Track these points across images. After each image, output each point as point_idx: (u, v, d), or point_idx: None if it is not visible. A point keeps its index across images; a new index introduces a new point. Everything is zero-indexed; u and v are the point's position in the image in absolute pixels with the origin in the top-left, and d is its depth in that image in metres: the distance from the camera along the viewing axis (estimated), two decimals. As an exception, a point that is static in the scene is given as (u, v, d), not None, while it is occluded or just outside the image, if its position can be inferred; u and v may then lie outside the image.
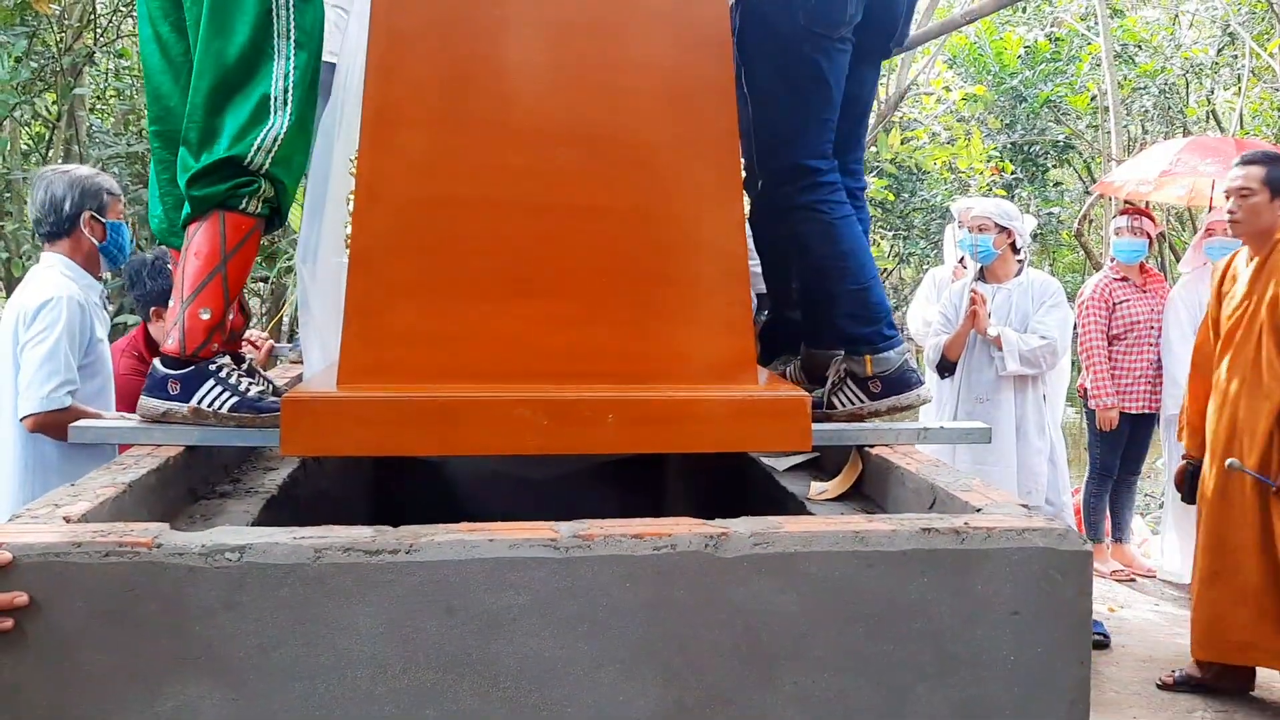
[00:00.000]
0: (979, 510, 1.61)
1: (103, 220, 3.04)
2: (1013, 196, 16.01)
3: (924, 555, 1.48)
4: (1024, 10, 16.45)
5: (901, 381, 2.17)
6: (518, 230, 1.85)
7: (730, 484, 2.51)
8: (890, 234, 14.21)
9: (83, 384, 2.90)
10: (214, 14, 1.92)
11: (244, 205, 1.92)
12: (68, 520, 1.47)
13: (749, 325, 1.89)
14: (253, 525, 1.75)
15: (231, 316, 2.01)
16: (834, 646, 1.46)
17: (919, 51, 9.36)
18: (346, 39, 2.12)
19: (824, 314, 2.26)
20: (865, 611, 1.47)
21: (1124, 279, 5.28)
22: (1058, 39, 15.49)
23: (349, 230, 1.92)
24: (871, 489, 2.05)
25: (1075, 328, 5.15)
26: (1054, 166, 15.60)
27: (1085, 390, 5.36)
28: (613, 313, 1.86)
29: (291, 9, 1.93)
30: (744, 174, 2.07)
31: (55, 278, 2.94)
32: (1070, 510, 4.67)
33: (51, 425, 2.78)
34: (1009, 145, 14.84)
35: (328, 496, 2.46)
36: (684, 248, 1.89)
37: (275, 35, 1.93)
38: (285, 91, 1.93)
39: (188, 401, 1.90)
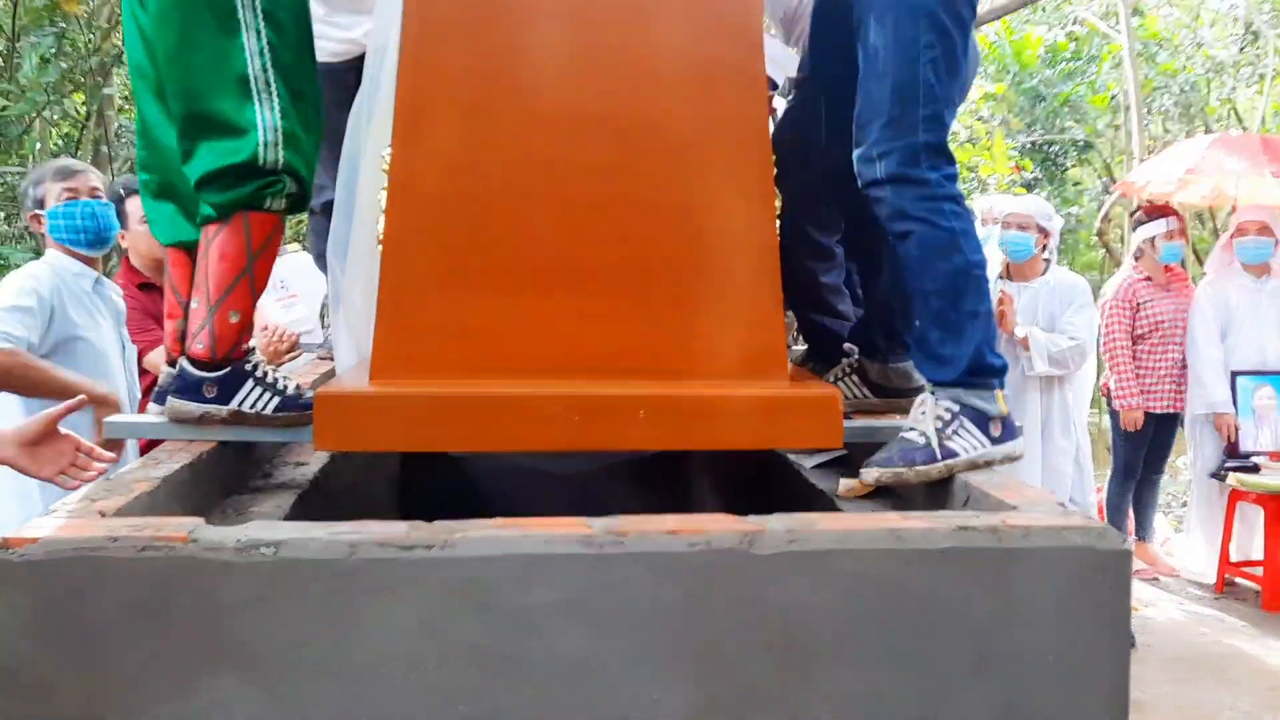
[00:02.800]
0: (1015, 508, 1.59)
1: (41, 214, 3.01)
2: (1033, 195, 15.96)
3: (961, 553, 1.46)
4: (1043, 9, 16.37)
5: (1013, 425, 1.92)
6: (549, 223, 1.84)
7: (758, 480, 2.50)
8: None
9: (72, 363, 2.85)
10: None
11: (268, 204, 1.85)
12: (103, 514, 1.48)
13: (780, 320, 1.88)
14: (285, 520, 1.74)
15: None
16: (871, 646, 1.44)
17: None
18: (376, 30, 2.10)
19: (950, 334, 1.88)
20: (902, 610, 1.45)
21: (1148, 278, 5.24)
22: (1077, 38, 15.40)
23: (381, 226, 1.90)
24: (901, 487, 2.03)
25: (1099, 327, 5.12)
26: (1073, 165, 15.52)
27: (1109, 390, 5.32)
28: (644, 307, 1.85)
29: None
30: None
31: (37, 267, 2.96)
32: (1094, 510, 4.65)
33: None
34: (1028, 145, 14.77)
35: (356, 490, 2.46)
36: (715, 241, 1.87)
37: (240, 6, 1.80)
38: (264, 70, 1.81)
39: (227, 404, 1.86)
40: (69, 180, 3.02)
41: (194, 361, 1.86)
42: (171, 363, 2.06)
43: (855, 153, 1.91)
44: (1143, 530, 5.52)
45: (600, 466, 2.56)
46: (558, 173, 1.84)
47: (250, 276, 1.87)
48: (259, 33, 1.80)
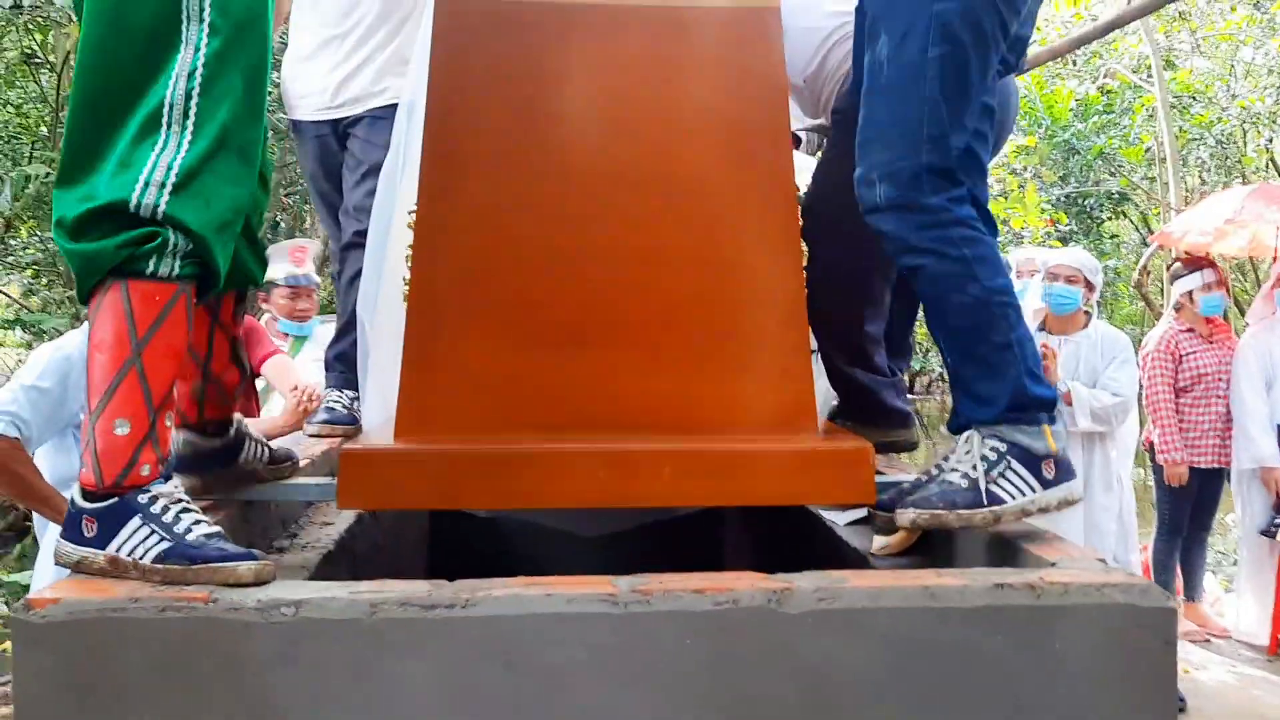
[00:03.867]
0: (1054, 564, 1.55)
1: None
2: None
3: (998, 611, 1.42)
4: (1074, 63, 16.41)
5: (1068, 465, 1.72)
6: (575, 278, 1.83)
7: (791, 539, 2.46)
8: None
9: (62, 439, 2.87)
10: None
11: (151, 268, 1.44)
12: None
13: (809, 373, 1.85)
14: (310, 580, 1.73)
15: (171, 423, 1.54)
16: (905, 706, 1.40)
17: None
18: (406, 84, 2.12)
19: (984, 370, 1.73)
20: (937, 670, 1.41)
21: (1190, 330, 5.16)
22: (1110, 91, 15.41)
23: (408, 280, 1.90)
24: (937, 544, 1.99)
25: (1140, 380, 5.04)
26: (1109, 218, 15.43)
27: (1152, 444, 5.22)
28: (671, 361, 1.84)
29: None
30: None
31: (68, 341, 2.94)
32: (1138, 568, 4.54)
33: None
34: (1063, 198, 14.71)
35: (384, 550, 2.45)
36: (742, 294, 1.86)
37: (184, 16, 1.46)
38: (186, 97, 1.45)
39: (104, 548, 1.44)
40: None
41: (83, 490, 1.48)
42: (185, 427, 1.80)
43: (855, 174, 1.79)
44: (1192, 590, 5.38)
45: (631, 526, 2.53)
46: (583, 227, 1.84)
47: (139, 369, 1.43)
48: (197, 49, 1.47)
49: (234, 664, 1.34)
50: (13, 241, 7.46)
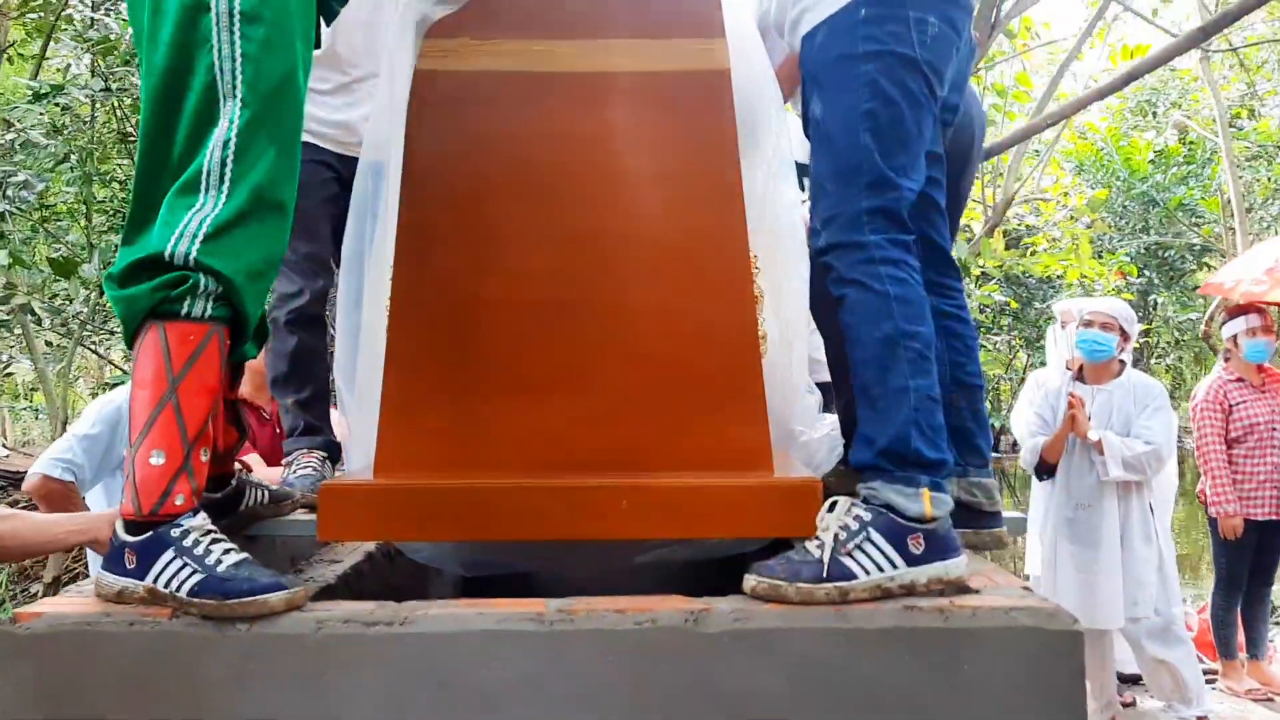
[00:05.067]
0: (977, 592, 1.61)
1: None
2: (1147, 301, 15.54)
3: (908, 633, 1.48)
4: (1154, 115, 16.22)
5: (944, 541, 1.62)
6: (541, 329, 1.96)
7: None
8: (1024, 345, 13.94)
9: (112, 480, 3.06)
10: (159, 71, 1.66)
11: (185, 309, 1.59)
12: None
13: (763, 416, 1.94)
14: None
15: (206, 457, 1.65)
16: (813, 724, 1.46)
17: (1025, 156, 9.30)
18: (366, 143, 2.19)
19: (873, 411, 1.72)
20: (849, 690, 1.48)
21: (1239, 380, 5.07)
22: (1190, 142, 15.17)
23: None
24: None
25: (1192, 431, 4.96)
26: (1193, 270, 15.10)
27: (1205, 496, 5.11)
28: (631, 407, 1.94)
29: (238, 60, 1.64)
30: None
31: (120, 393, 3.13)
32: (1180, 622, 4.42)
33: (41, 493, 2.93)
34: (1142, 250, 14.46)
35: (400, 592, 2.56)
36: (698, 343, 1.96)
37: (220, 95, 1.64)
38: (221, 164, 1.62)
39: (143, 579, 1.56)
40: None
41: (124, 522, 1.60)
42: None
43: (810, 225, 1.86)
44: (1254, 647, 5.20)
45: (657, 575, 2.58)
46: (549, 283, 1.97)
47: (175, 404, 1.57)
48: (231, 121, 1.64)
49: (193, 676, 1.47)
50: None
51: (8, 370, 9.18)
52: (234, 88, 1.65)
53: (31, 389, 11.12)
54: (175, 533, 1.56)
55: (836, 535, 1.61)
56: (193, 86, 1.65)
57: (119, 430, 3.06)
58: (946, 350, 2.02)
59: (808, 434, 2.28)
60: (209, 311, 1.61)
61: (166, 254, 1.58)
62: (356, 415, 2.12)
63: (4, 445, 9.23)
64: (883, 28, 1.80)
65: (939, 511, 1.62)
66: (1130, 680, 4.93)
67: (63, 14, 6.59)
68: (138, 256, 1.60)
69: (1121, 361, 4.56)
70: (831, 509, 1.69)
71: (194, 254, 1.58)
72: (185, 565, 1.54)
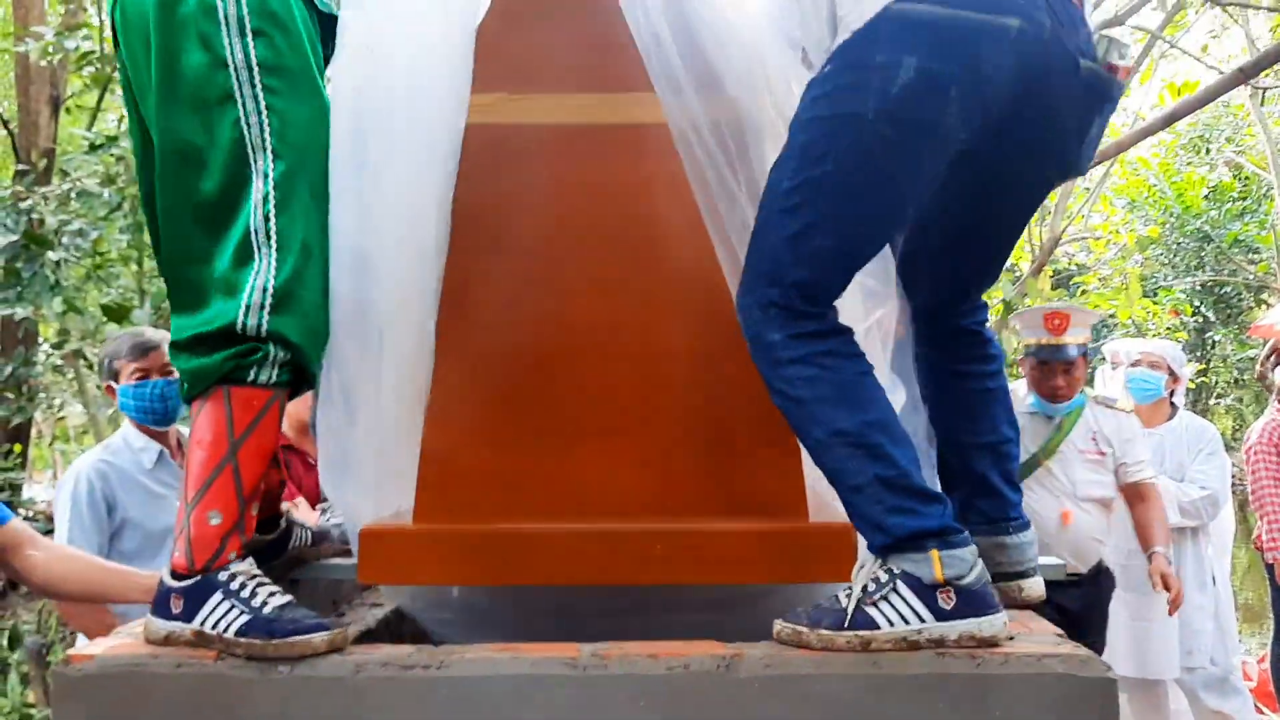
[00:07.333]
0: (1010, 638, 1.60)
1: (115, 387, 3.08)
2: (1205, 340, 15.29)
3: (938, 680, 1.49)
4: (1206, 151, 16.03)
5: (979, 598, 1.56)
6: (579, 377, 2.00)
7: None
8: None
9: (119, 544, 3.01)
10: (179, 130, 1.66)
11: (252, 377, 1.63)
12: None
13: (798, 462, 1.95)
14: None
15: (255, 510, 1.71)
16: (844, 770, 1.47)
17: (1075, 192, 9.24)
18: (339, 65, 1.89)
19: (849, 508, 1.68)
20: (881, 737, 1.48)
21: (1295, 420, 4.97)
22: (1246, 178, 14.98)
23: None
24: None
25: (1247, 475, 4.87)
26: (1250, 308, 14.85)
27: (1262, 542, 4.99)
28: (668, 453, 1.97)
29: (264, 112, 1.65)
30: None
31: (83, 464, 3.09)
32: (1238, 672, 4.32)
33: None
34: (1198, 288, 14.24)
35: (425, 638, 2.58)
36: (735, 389, 1.98)
37: (250, 150, 1.65)
38: (266, 220, 1.63)
39: (190, 622, 1.60)
40: (141, 360, 3.04)
41: (172, 572, 1.65)
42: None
43: None
44: (1318, 696, 5.06)
45: (700, 621, 2.57)
46: (588, 332, 2.01)
47: (234, 466, 1.61)
48: (267, 175, 1.64)
49: (236, 717, 1.51)
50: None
51: (60, 415, 9.40)
52: (264, 140, 1.66)
53: (82, 432, 11.40)
54: (223, 576, 1.61)
55: (865, 586, 1.58)
56: (218, 143, 1.66)
57: (78, 507, 2.99)
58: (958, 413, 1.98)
59: None
60: (274, 378, 1.65)
61: (238, 327, 1.61)
62: (347, 433, 1.93)
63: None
64: (835, 82, 1.64)
65: (952, 572, 1.54)
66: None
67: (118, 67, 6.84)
68: (206, 330, 1.63)
69: (1173, 405, 4.50)
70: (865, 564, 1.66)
71: (265, 325, 1.62)
72: (233, 608, 1.57)
